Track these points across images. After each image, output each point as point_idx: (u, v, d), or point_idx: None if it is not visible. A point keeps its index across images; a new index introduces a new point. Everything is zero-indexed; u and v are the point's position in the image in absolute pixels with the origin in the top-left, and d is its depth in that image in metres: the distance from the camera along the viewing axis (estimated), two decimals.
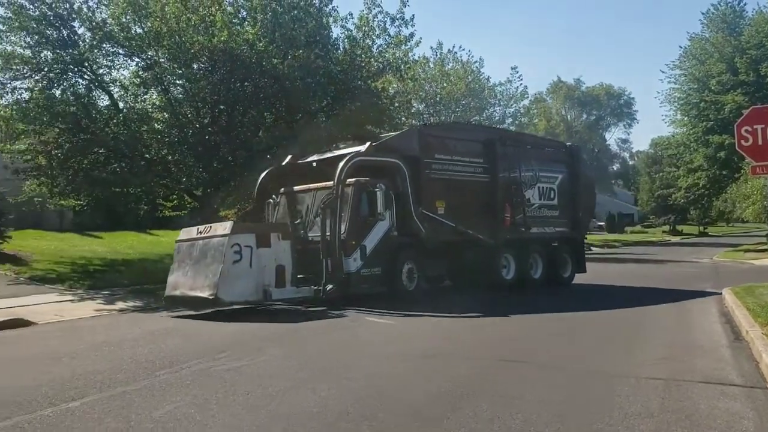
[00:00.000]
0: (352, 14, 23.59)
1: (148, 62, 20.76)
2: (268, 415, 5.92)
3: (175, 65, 20.39)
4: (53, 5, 19.75)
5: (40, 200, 23.68)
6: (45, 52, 20.03)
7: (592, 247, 45.71)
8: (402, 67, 24.26)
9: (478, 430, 5.41)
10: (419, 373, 7.66)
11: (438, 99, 37.75)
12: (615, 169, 70.92)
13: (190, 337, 10.48)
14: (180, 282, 13.20)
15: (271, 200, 16.27)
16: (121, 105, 21.62)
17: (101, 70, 21.00)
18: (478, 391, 6.72)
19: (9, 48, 19.63)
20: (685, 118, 43.43)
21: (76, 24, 20.35)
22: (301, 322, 11.85)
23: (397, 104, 25.42)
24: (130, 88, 21.39)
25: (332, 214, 13.73)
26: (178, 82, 21.34)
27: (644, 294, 16.11)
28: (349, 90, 21.69)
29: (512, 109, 42.51)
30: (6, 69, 19.49)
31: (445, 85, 37.98)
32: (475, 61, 39.58)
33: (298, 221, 15.15)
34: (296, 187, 15.98)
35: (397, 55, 24.09)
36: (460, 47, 59.66)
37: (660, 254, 34.57)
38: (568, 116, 64.65)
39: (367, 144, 15.43)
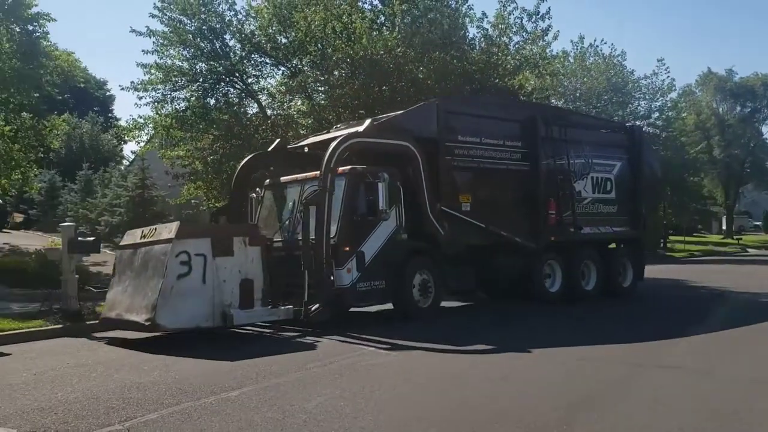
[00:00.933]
0: (486, 14, 23.45)
1: (293, 70, 21.78)
2: (415, 409, 6.08)
3: (318, 72, 21.25)
4: (207, 19, 21.27)
5: (197, 202, 25.38)
6: (200, 63, 21.68)
7: (747, 249, 42.73)
8: (540, 63, 23.90)
9: None
10: None
11: (578, 95, 36.66)
12: None
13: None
14: (118, 300, 10.52)
15: (254, 194, 13.70)
16: (268, 112, 22.83)
17: (250, 80, 22.37)
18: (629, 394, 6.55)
19: (169, 62, 21.39)
20: None
21: (227, 36, 21.81)
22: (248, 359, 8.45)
23: (535, 101, 24.98)
24: (276, 96, 22.55)
25: (319, 212, 10.70)
26: (320, 88, 22.22)
27: None
28: (486, 89, 21.60)
29: (658, 103, 40.54)
30: (166, 81, 21.24)
31: (585, 80, 36.83)
32: (618, 54, 38.11)
33: (287, 220, 12.59)
34: (283, 178, 13.27)
35: (534, 50, 23.74)
36: (602, 41, 57.30)
37: None
38: (720, 109, 60.51)
39: (368, 122, 12.47)
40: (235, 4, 22.04)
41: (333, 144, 11.36)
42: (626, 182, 16.09)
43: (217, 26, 21.56)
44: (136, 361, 8.61)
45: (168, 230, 10.14)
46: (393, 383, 7.23)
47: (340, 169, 11.36)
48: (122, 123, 32.41)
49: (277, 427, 5.63)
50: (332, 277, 10.81)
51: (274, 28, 21.35)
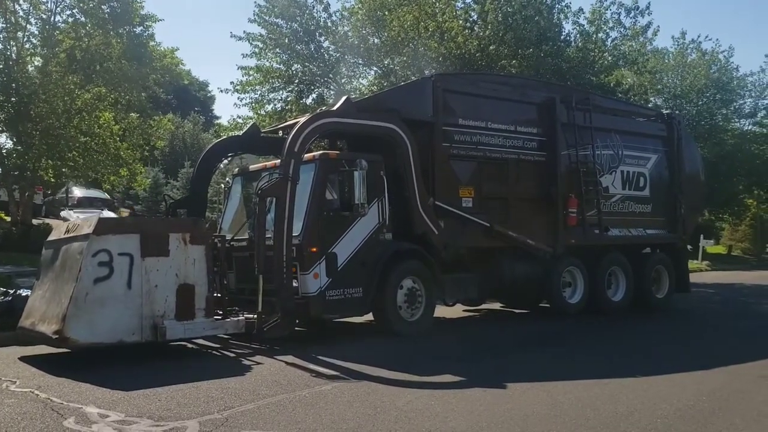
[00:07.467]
0: (582, 9, 23.03)
1: (385, 70, 22.07)
2: (505, 412, 6.03)
3: (409, 72, 21.41)
4: (303, 22, 21.84)
5: None
6: (296, 65, 22.32)
7: None
8: (639, 59, 23.27)
9: None
10: None
11: (678, 92, 35.30)
12: None
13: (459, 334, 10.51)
14: (35, 307, 8.83)
15: (222, 185, 12.56)
16: None
17: (344, 80, 22.77)
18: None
19: (267, 63, 22.16)
20: None
21: (321, 38, 22.34)
22: None
23: (632, 99, 24.33)
24: (367, 95, 22.90)
25: (279, 205, 9.03)
26: None
27: None
28: (580, 86, 21.20)
29: (766, 101, 38.47)
30: (265, 83, 22.06)
31: (685, 77, 35.41)
32: (723, 50, 36.43)
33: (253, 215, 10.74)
34: (251, 166, 11.89)
35: (633, 46, 23.14)
36: (706, 36, 54.93)
37: None
38: None
39: (343, 99, 10.62)
40: (330, 7, 22.58)
41: (298, 125, 9.63)
42: (663, 178, 14.30)
43: (312, 28, 22.10)
44: None
45: (88, 225, 8.41)
46: None
47: (309, 155, 9.78)
48: (222, 122, 33.69)
49: None
50: (295, 284, 9.23)
51: (367, 29, 21.66)
